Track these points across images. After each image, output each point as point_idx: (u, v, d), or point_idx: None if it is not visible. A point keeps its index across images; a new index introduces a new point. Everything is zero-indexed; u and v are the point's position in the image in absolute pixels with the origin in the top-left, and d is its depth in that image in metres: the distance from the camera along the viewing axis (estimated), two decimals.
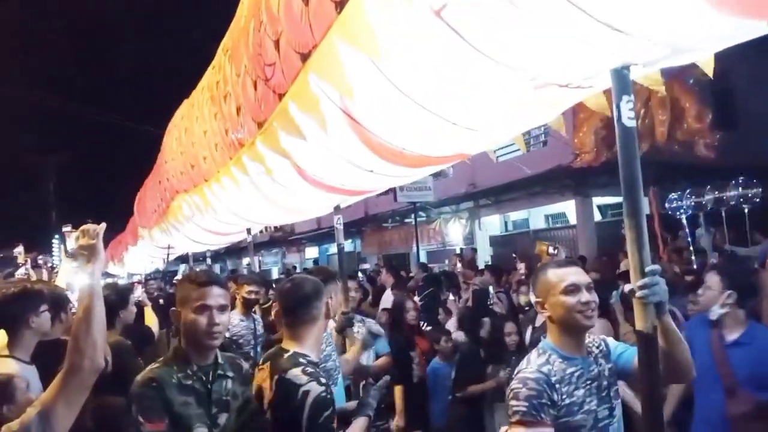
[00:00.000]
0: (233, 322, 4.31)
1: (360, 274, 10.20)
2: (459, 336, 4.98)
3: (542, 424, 1.76)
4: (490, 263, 11.99)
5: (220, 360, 2.03)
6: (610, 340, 2.05)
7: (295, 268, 16.82)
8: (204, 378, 1.96)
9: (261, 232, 14.06)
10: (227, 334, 3.19)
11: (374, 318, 4.99)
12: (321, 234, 18.21)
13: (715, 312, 2.81)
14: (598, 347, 1.99)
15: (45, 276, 6.52)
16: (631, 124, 1.77)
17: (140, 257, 15.70)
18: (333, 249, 18.96)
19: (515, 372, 1.91)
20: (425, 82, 2.32)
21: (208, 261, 11.86)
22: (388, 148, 3.14)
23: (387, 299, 6.82)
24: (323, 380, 1.96)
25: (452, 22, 1.81)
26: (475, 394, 4.32)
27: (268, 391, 1.98)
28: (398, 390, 4.48)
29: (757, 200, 7.18)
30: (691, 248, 7.40)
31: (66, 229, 21.60)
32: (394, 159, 3.33)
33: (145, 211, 12.02)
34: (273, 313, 2.21)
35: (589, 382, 1.88)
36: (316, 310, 2.13)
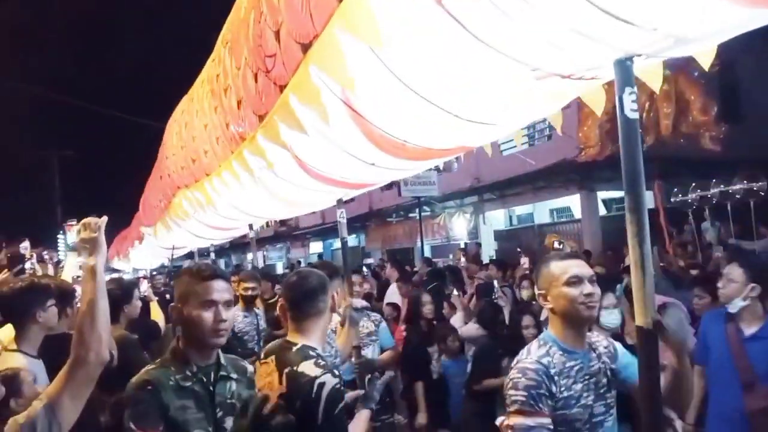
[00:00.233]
0: (236, 318, 4.32)
1: (365, 269, 10.21)
2: (466, 330, 4.98)
3: (540, 414, 1.76)
4: (494, 258, 11.99)
5: (222, 361, 1.90)
6: (620, 347, 2.04)
7: (299, 262, 16.83)
8: (205, 379, 1.83)
9: (266, 225, 14.04)
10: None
11: (380, 312, 4.99)
12: (325, 229, 18.21)
13: (737, 305, 2.79)
14: (605, 347, 1.99)
15: (50, 271, 6.56)
16: (634, 116, 1.76)
17: (145, 254, 15.76)
18: (337, 244, 18.82)
19: (515, 362, 1.91)
20: (427, 74, 2.30)
21: (212, 256, 11.89)
22: (390, 140, 3.12)
23: (391, 293, 6.84)
24: (336, 372, 1.96)
25: (454, 11, 1.79)
26: (490, 389, 4.32)
27: (276, 385, 1.94)
28: (419, 387, 4.47)
29: (763, 194, 7.11)
30: (697, 242, 7.38)
31: (69, 222, 21.66)
32: (396, 152, 3.31)
33: (148, 209, 12.02)
34: (278, 307, 2.20)
35: (588, 377, 1.88)
36: (322, 303, 2.12)
